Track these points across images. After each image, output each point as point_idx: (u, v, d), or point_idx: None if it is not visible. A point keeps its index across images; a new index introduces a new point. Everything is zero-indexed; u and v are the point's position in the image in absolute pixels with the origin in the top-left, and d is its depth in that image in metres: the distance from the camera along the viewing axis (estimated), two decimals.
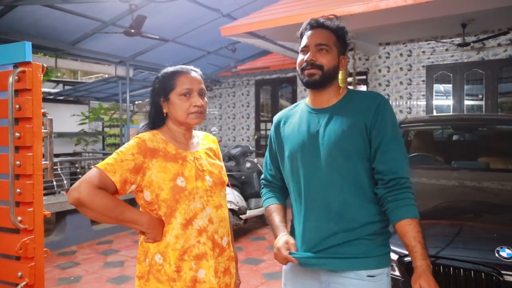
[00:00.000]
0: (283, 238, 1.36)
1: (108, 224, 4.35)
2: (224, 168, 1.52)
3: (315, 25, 1.38)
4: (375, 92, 1.40)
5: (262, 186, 1.59)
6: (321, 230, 1.30)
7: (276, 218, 1.45)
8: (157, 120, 1.42)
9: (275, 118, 1.55)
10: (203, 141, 1.53)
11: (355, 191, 1.29)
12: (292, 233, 1.44)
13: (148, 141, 1.33)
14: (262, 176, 1.60)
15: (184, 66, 1.43)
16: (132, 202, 1.36)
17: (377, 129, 1.28)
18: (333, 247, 1.29)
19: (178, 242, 1.30)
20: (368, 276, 1.26)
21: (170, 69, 1.42)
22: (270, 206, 1.50)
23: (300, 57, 1.38)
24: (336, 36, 1.38)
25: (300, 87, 8.49)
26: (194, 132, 1.51)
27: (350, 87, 7.16)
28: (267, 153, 1.57)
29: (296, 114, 1.46)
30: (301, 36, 1.42)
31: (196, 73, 1.42)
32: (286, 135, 1.45)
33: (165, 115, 1.41)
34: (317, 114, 1.38)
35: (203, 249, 1.33)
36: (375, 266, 1.28)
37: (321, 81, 1.34)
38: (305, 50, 1.37)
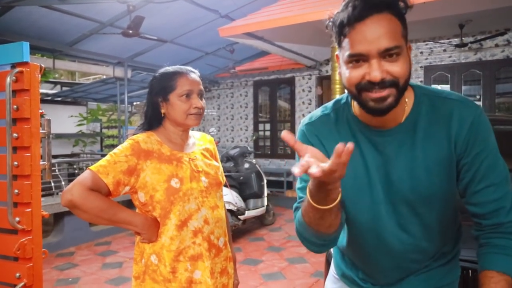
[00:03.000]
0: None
1: (103, 225, 4.36)
2: (221, 169, 1.52)
3: (369, 7, 0.81)
4: (463, 96, 0.97)
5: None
6: (390, 271, 1.08)
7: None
8: (153, 121, 1.42)
9: (309, 129, 1.04)
10: (200, 141, 1.53)
11: (434, 236, 1.04)
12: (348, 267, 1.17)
13: (142, 143, 1.33)
14: (296, 204, 1.05)
15: (183, 67, 1.43)
16: (129, 203, 1.36)
17: (473, 155, 0.93)
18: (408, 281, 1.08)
19: (173, 243, 1.31)
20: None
21: (169, 69, 1.42)
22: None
23: (348, 72, 0.87)
24: (400, 19, 0.85)
25: (298, 88, 8.47)
26: (191, 133, 1.51)
27: None
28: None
29: (344, 131, 1.01)
30: (341, 27, 0.85)
31: (195, 74, 1.42)
32: None
33: (162, 115, 1.41)
34: (383, 138, 0.96)
35: (198, 250, 1.33)
36: None
37: (396, 102, 0.87)
38: (358, 59, 0.84)
